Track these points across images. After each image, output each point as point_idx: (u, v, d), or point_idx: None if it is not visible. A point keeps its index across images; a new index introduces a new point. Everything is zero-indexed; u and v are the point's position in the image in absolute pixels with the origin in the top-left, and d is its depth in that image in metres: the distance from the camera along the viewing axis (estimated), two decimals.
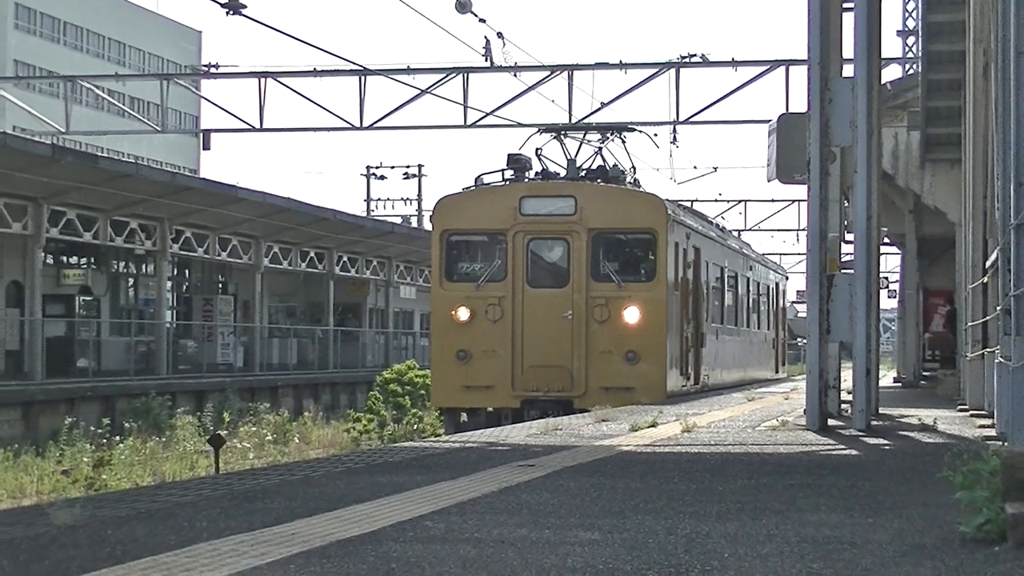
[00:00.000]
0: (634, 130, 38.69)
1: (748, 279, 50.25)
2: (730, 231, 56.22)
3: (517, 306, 33.06)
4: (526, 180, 35.31)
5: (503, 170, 35.17)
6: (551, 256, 34.16)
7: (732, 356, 46.27)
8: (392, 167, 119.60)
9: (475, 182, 36.48)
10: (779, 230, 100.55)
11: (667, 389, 33.02)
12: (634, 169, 40.26)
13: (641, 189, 37.35)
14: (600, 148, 37.76)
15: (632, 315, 32.86)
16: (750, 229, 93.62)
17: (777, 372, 59.41)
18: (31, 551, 8.67)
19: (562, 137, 37.33)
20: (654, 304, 33.20)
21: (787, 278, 70.37)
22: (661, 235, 33.44)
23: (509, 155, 35.20)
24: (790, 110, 37.79)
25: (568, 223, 33.47)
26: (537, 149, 36.41)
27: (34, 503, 18.21)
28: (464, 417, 33.90)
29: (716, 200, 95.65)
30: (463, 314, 33.18)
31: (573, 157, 37.47)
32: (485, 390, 33.08)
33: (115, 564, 8.13)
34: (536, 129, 37.82)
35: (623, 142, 38.07)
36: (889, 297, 55.97)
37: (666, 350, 33.36)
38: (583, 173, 36.42)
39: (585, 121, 50.89)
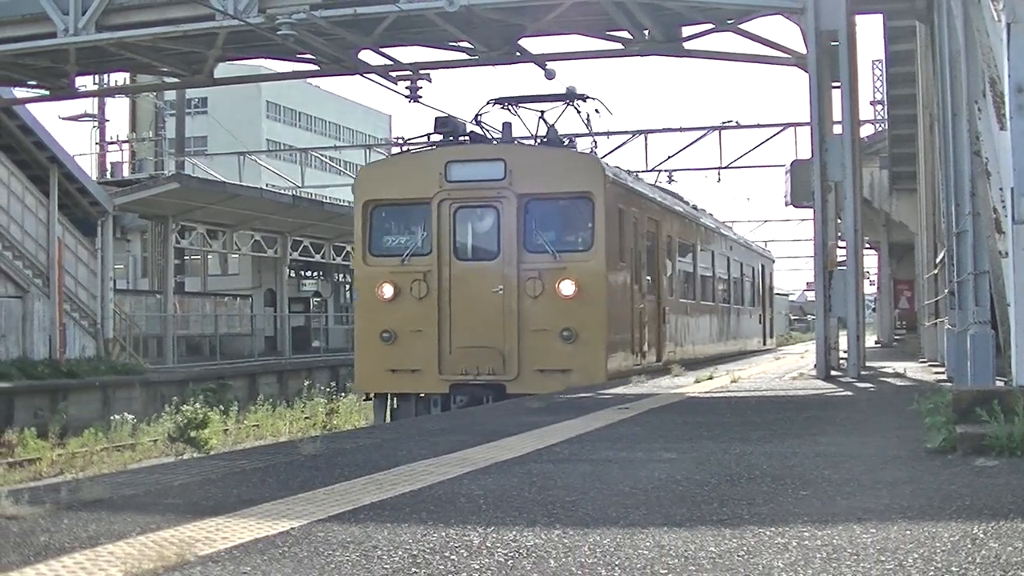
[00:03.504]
0: (586, 98, 25.74)
1: (729, 259, 37.57)
2: (710, 215, 39.27)
3: (444, 281, 22.43)
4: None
5: (430, 134, 24.23)
6: (480, 226, 23.06)
7: (709, 331, 33.44)
8: None
9: (403, 150, 27.36)
10: (798, 240, 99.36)
11: (607, 369, 22.04)
12: (594, 141, 31.59)
13: (577, 149, 25.90)
14: (543, 113, 25.43)
15: (568, 288, 21.85)
16: (775, 241, 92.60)
17: (764, 344, 45.76)
18: (288, 472, 8.74)
19: (513, 108, 25.34)
20: (592, 276, 22.01)
21: (774, 261, 53.58)
22: (599, 199, 22.12)
23: (437, 118, 24.26)
24: (798, 157, 37.29)
25: (497, 189, 22.45)
26: (477, 114, 24.87)
27: (288, 440, 18.35)
28: (395, 403, 23.20)
29: (749, 221, 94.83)
30: (387, 291, 22.68)
31: (532, 128, 26.58)
32: (412, 374, 22.64)
33: (344, 480, 8.16)
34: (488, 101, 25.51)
35: (577, 111, 25.74)
36: (870, 285, 55.39)
37: (606, 327, 22.20)
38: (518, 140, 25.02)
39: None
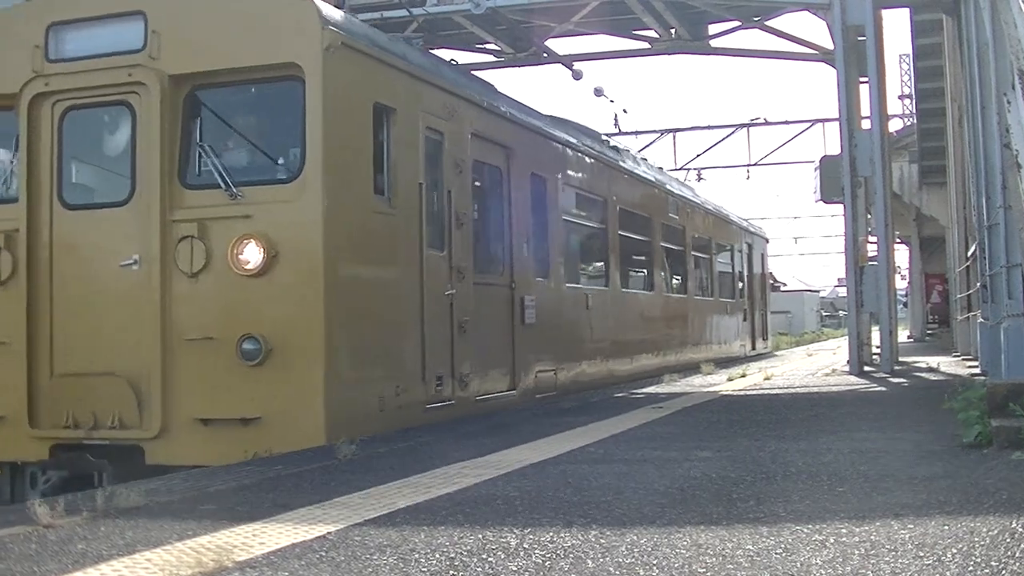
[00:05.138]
0: None
1: (685, 231, 27.35)
2: (659, 169, 28.94)
3: (42, 249, 12.33)
4: None
5: None
6: (109, 142, 12.77)
7: (638, 336, 23.12)
8: None
9: None
10: (828, 236, 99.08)
11: (333, 415, 11.51)
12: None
13: None
14: None
15: (252, 256, 11.64)
16: (805, 237, 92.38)
17: (754, 347, 35.28)
18: (323, 476, 8.72)
19: None
20: (300, 231, 11.74)
21: (767, 241, 41.43)
22: (314, 76, 11.68)
23: None
24: (827, 153, 37.44)
25: (134, 69, 12.07)
26: None
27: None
28: None
29: (779, 218, 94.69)
30: None
31: None
32: None
33: (379, 484, 8.15)
34: None
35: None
36: (901, 279, 55.14)
37: (329, 331, 11.67)
38: None
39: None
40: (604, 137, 23.37)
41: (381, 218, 12.76)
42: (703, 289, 29.70)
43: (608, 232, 21.45)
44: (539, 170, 17.77)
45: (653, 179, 25.73)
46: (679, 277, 27.65)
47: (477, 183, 15.52)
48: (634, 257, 24.16)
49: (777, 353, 38.05)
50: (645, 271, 24.79)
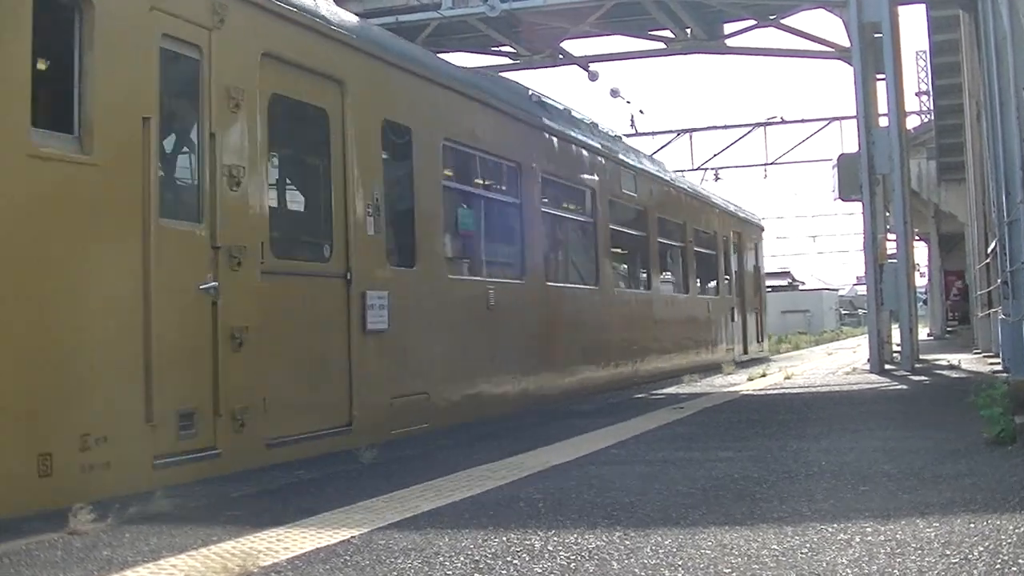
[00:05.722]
0: None
1: (647, 215, 23.15)
2: (611, 136, 22.67)
3: None
4: None
5: None
6: None
7: (587, 338, 19.21)
8: None
9: None
10: (846, 234, 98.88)
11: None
12: None
13: None
14: None
15: None
16: (823, 235, 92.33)
17: (746, 351, 30.84)
18: (346, 481, 8.73)
19: None
20: None
21: (762, 229, 36.96)
22: None
23: None
24: (845, 151, 37.36)
25: None
26: None
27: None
28: None
29: (797, 217, 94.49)
30: None
31: None
32: None
33: (402, 488, 8.15)
34: None
35: None
36: (920, 277, 54.98)
37: None
38: None
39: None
40: (533, 94, 18.87)
41: (57, 169, 8.22)
42: (676, 284, 25.67)
43: (525, 207, 16.99)
44: (400, 117, 13.41)
45: (600, 145, 20.63)
46: (641, 269, 23.32)
47: (279, 127, 11.17)
48: (571, 241, 19.86)
49: (775, 358, 33.40)
50: (587, 260, 20.12)
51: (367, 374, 12.02)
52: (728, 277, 30.09)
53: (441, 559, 5.69)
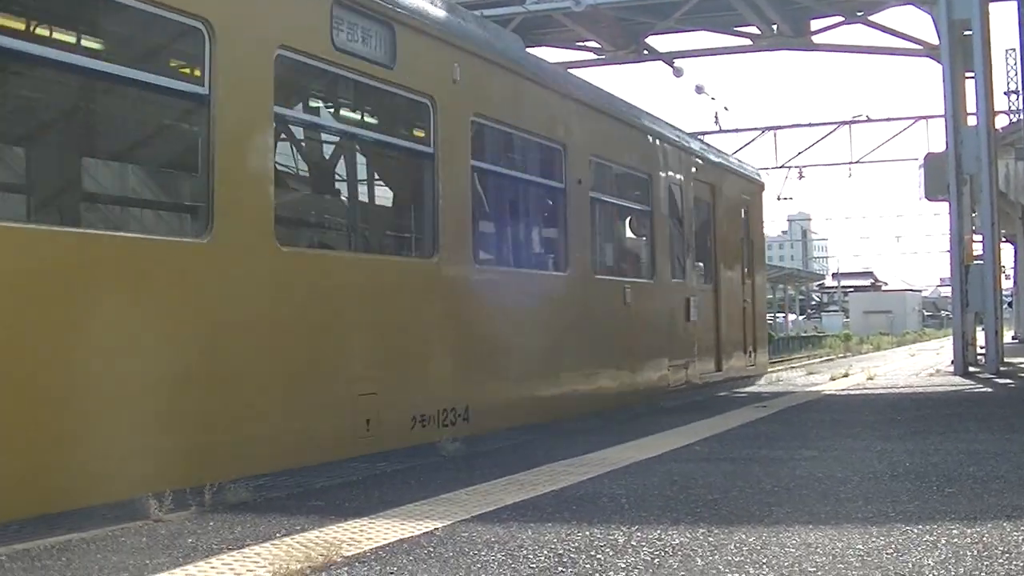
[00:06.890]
0: None
1: (593, 162, 14.82)
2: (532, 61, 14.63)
3: None
4: None
5: None
6: None
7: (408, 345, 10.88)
8: None
9: None
10: (930, 235, 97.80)
11: None
12: None
13: None
14: None
15: None
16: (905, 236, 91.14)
17: (720, 368, 19.35)
18: (428, 473, 8.77)
19: None
20: None
21: (763, 187, 24.63)
22: None
23: None
24: (932, 150, 36.73)
25: None
26: None
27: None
28: None
29: (880, 217, 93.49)
30: None
31: None
32: None
33: (484, 481, 8.18)
34: None
35: None
36: (1006, 279, 54.35)
37: None
38: None
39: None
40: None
41: None
42: (597, 263, 15.87)
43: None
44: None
45: (520, 66, 13.62)
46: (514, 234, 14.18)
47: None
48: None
49: (777, 376, 25.82)
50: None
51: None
52: (692, 252, 18.94)
53: (524, 552, 5.70)
